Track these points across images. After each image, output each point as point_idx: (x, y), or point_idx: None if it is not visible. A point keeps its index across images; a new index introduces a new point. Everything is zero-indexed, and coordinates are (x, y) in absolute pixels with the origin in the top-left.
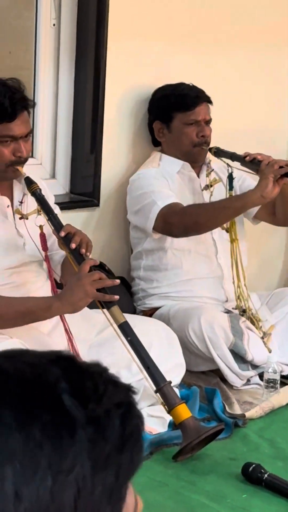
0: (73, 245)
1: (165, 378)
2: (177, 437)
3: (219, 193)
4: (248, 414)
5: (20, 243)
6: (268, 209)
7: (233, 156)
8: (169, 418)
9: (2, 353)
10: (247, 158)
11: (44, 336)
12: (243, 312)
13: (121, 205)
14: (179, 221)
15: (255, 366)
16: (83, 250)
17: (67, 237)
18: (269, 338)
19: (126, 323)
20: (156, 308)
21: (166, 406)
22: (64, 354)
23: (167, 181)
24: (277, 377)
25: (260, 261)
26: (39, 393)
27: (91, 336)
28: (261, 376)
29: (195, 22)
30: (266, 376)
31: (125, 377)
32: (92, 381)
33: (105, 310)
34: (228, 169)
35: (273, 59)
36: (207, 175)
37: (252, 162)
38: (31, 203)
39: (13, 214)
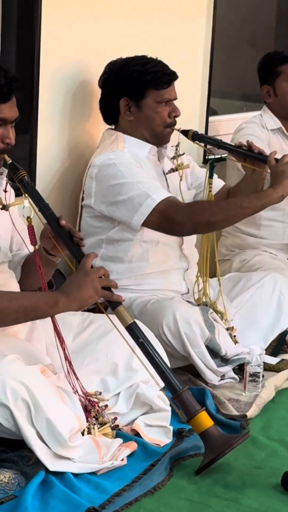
0: (75, 239)
1: (182, 383)
2: (193, 448)
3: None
4: (249, 414)
5: None
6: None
7: (220, 144)
8: (171, 426)
9: None
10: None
11: (24, 342)
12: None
13: (62, 193)
14: (187, 219)
15: (224, 360)
16: (84, 243)
17: (64, 229)
18: (234, 329)
19: (134, 323)
20: None
21: (184, 415)
22: None
23: (142, 169)
24: (261, 370)
25: None
26: None
27: (68, 341)
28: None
29: None
30: (250, 370)
31: (112, 385)
32: None
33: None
34: (208, 156)
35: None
36: (175, 158)
37: (249, 153)
38: None
39: None
